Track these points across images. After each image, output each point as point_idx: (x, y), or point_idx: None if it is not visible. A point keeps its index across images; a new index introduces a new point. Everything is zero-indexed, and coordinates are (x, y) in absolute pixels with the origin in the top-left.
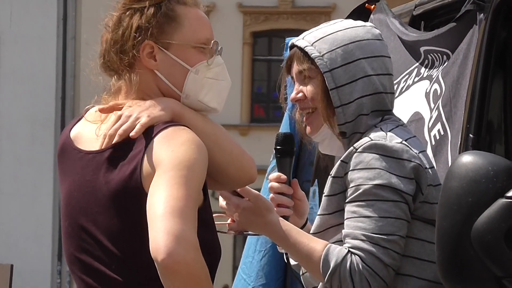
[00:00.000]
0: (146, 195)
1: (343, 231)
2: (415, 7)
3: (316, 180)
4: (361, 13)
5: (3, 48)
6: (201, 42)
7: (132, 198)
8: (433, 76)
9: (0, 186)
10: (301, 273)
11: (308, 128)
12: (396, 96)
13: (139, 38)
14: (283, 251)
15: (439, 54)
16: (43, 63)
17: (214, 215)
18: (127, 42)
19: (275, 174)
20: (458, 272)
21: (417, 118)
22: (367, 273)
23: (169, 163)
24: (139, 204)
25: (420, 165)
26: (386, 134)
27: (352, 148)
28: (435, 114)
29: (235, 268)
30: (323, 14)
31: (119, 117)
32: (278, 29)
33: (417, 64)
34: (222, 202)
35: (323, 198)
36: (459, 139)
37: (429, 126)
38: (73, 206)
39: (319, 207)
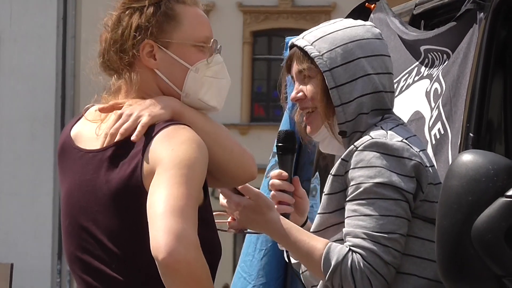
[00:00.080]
0: (146, 193)
1: (343, 229)
2: (415, 6)
3: (317, 178)
4: (361, 12)
5: (3, 47)
6: (200, 40)
7: (132, 196)
8: (434, 75)
9: (0, 184)
10: (301, 271)
11: (308, 128)
12: (396, 95)
13: (139, 37)
14: (283, 249)
15: (439, 53)
16: (43, 62)
17: (214, 213)
18: (126, 42)
19: (277, 171)
20: (458, 271)
21: (417, 117)
22: (368, 271)
23: (169, 162)
24: (140, 202)
25: (421, 164)
26: (387, 132)
27: (352, 146)
28: (435, 113)
29: (235, 267)
30: (323, 13)
31: (120, 116)
32: (278, 28)
33: (417, 63)
34: (222, 200)
35: (323, 197)
36: (459, 138)
37: (430, 125)
38: (73, 205)
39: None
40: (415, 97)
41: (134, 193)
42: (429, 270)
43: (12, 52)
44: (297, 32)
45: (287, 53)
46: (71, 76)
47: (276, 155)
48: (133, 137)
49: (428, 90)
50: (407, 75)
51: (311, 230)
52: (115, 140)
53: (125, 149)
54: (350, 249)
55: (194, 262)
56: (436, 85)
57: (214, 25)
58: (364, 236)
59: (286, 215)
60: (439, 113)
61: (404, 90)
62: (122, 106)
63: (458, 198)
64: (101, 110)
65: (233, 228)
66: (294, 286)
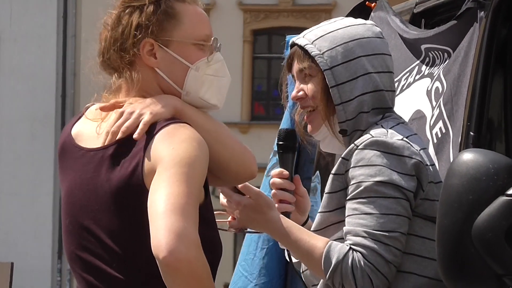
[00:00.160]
0: (147, 192)
1: (344, 228)
2: (416, 5)
3: (318, 177)
4: (361, 11)
5: (3, 46)
6: (200, 39)
7: (133, 195)
8: (434, 74)
9: (0, 184)
10: (301, 270)
11: (309, 127)
12: (397, 94)
13: (139, 36)
14: (284, 248)
15: (440, 52)
16: (43, 61)
17: (214, 212)
18: (127, 40)
19: (277, 169)
20: (459, 270)
21: (418, 116)
22: (368, 269)
23: (170, 160)
24: (141, 201)
25: (421, 162)
26: (387, 131)
27: (353, 145)
28: (436, 112)
29: (236, 266)
30: (324, 12)
31: (121, 114)
32: (278, 27)
33: (418, 62)
34: (222, 199)
35: (324, 196)
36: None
37: (431, 124)
38: (74, 204)
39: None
40: (416, 96)
41: (135, 192)
42: (430, 269)
43: (12, 52)
44: (298, 30)
45: (287, 52)
46: (71, 75)
47: (277, 154)
48: (135, 135)
49: (429, 89)
50: (408, 74)
51: (311, 229)
52: (117, 139)
53: (126, 148)
54: (350, 247)
55: (195, 261)
56: (437, 84)
57: (214, 24)
58: (365, 235)
59: (287, 214)
60: (440, 112)
61: (405, 89)
62: (123, 105)
63: (458, 197)
64: (102, 109)
65: (233, 228)
66: (294, 285)
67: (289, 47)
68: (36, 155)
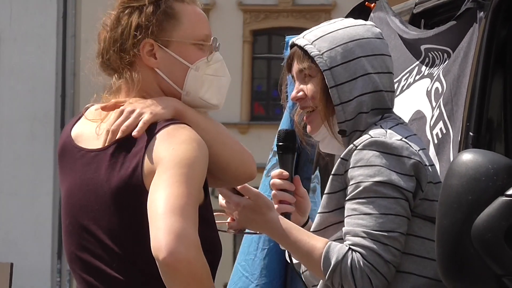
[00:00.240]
0: (147, 193)
1: (343, 228)
2: (415, 5)
3: (318, 178)
4: (361, 11)
5: (3, 46)
6: (200, 39)
7: (133, 196)
8: (434, 74)
9: (0, 185)
10: (301, 271)
11: (308, 127)
12: (397, 94)
13: (140, 37)
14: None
15: (439, 52)
16: (42, 61)
17: (214, 213)
18: (127, 41)
19: (277, 170)
20: (458, 270)
21: (418, 116)
22: (368, 269)
23: (169, 161)
24: (140, 202)
25: (420, 162)
26: (386, 131)
27: (352, 145)
28: (436, 112)
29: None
30: (323, 12)
31: (121, 113)
32: (278, 27)
33: (418, 62)
34: (222, 200)
35: (324, 196)
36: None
37: (431, 125)
38: (74, 204)
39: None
40: (416, 96)
41: (135, 192)
42: (429, 269)
43: (12, 52)
44: (297, 31)
45: (287, 52)
46: (71, 75)
47: (277, 154)
48: (134, 133)
49: (429, 89)
50: (407, 74)
51: (311, 229)
52: (116, 138)
53: (126, 148)
54: (350, 248)
55: (195, 261)
56: (437, 84)
57: (214, 24)
58: (364, 235)
59: (288, 215)
60: (441, 112)
61: (405, 90)
62: (124, 105)
63: (458, 197)
64: (103, 109)
65: (232, 228)
66: (294, 285)
67: (288, 48)
68: (36, 155)
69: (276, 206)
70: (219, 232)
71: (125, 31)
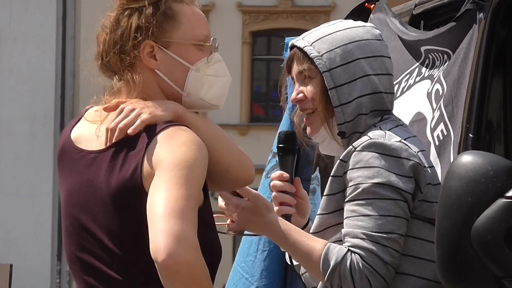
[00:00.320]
0: (146, 195)
1: (342, 230)
2: (415, 6)
3: (317, 179)
4: (360, 13)
5: (3, 46)
6: (200, 39)
7: (132, 197)
8: (435, 76)
9: (0, 185)
10: (301, 273)
11: (308, 129)
12: (397, 96)
13: (140, 38)
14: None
15: (439, 54)
16: (42, 62)
17: (213, 215)
18: (127, 43)
19: (278, 172)
20: (458, 272)
21: (419, 118)
22: (367, 271)
23: (169, 163)
24: (140, 203)
25: (419, 164)
26: (385, 133)
27: (351, 147)
28: (437, 114)
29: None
30: (323, 14)
31: (121, 111)
32: (277, 28)
33: (418, 63)
34: (221, 202)
35: (323, 198)
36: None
37: (432, 127)
38: (74, 205)
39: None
40: (417, 98)
41: (134, 194)
42: (428, 271)
43: (12, 52)
44: (297, 32)
45: (287, 53)
46: (71, 76)
47: (277, 156)
48: (129, 131)
49: (429, 91)
50: (407, 76)
51: (310, 231)
52: (115, 137)
53: (126, 150)
54: (349, 249)
55: (194, 263)
56: (437, 86)
57: (213, 25)
58: (363, 236)
59: (288, 217)
60: (441, 114)
61: (405, 91)
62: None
63: (457, 199)
64: (105, 109)
65: (232, 230)
66: (294, 287)
67: (288, 49)
68: (36, 155)
69: (276, 208)
70: (219, 234)
71: (125, 32)
